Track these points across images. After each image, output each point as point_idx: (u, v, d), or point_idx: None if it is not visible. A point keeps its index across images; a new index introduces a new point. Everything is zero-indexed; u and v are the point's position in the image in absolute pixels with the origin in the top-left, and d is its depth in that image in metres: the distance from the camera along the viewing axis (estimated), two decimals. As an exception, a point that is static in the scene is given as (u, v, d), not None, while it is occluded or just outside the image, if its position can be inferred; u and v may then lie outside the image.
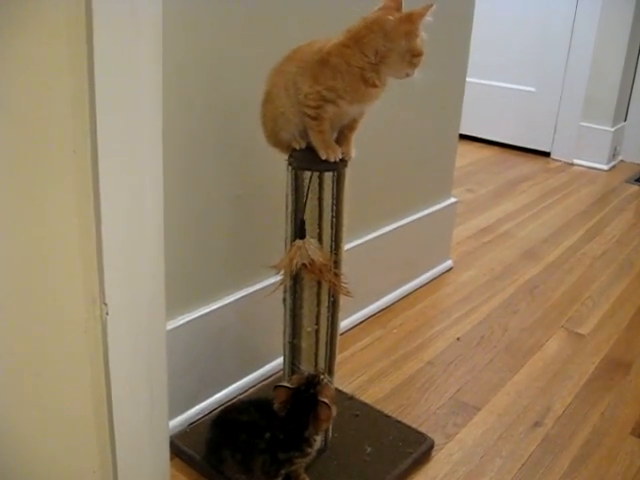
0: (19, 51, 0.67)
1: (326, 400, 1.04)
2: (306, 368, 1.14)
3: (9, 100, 0.67)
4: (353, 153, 1.08)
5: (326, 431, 1.21)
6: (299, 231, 1.06)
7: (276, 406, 1.06)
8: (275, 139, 1.09)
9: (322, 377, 1.08)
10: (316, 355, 1.15)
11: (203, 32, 1.14)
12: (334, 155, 1.03)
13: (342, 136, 1.08)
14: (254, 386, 1.43)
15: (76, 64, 0.71)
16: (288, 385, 1.07)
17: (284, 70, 1.04)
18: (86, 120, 0.73)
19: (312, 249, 1.06)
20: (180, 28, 1.09)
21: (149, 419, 0.92)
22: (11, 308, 0.74)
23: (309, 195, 1.04)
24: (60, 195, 0.74)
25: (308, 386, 1.06)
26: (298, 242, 1.07)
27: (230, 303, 1.33)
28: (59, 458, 0.83)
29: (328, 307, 1.12)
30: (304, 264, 1.07)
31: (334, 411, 1.06)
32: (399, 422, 1.33)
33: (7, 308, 0.73)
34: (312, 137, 1.04)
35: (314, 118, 1.01)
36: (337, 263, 1.10)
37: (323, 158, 1.03)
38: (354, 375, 1.53)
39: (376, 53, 0.97)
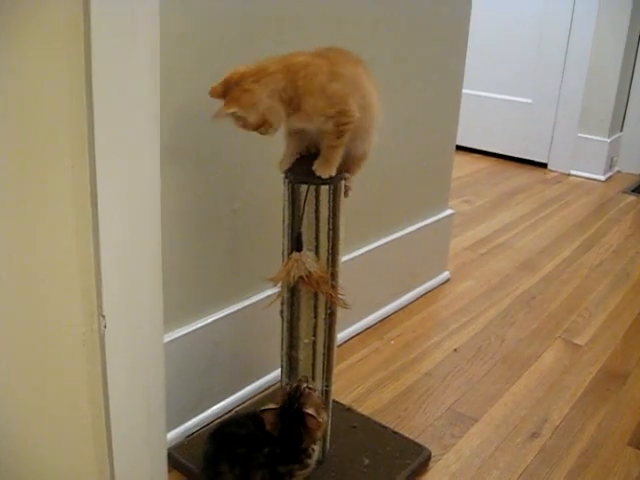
0: (16, 65, 0.68)
1: (311, 411, 1.04)
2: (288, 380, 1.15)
3: (5, 115, 0.68)
4: (323, 173, 1.04)
5: (324, 441, 1.21)
6: (296, 244, 1.07)
7: (267, 428, 1.06)
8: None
9: (304, 387, 1.07)
10: (313, 367, 1.16)
11: (199, 45, 1.15)
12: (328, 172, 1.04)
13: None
14: (252, 398, 1.43)
15: (74, 80, 0.72)
16: (273, 406, 1.06)
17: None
18: (84, 135, 0.74)
19: (309, 262, 1.07)
20: (176, 41, 1.10)
21: (147, 431, 0.92)
22: (10, 321, 0.74)
23: (306, 208, 1.05)
24: (58, 209, 0.75)
25: (292, 401, 1.06)
26: (295, 255, 1.07)
27: (227, 316, 1.34)
28: (57, 470, 0.84)
29: (325, 319, 1.13)
30: (301, 276, 1.07)
31: (324, 417, 1.06)
32: (396, 433, 1.34)
33: (6, 321, 0.74)
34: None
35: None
36: (334, 275, 1.11)
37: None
38: (352, 387, 1.53)
39: None
